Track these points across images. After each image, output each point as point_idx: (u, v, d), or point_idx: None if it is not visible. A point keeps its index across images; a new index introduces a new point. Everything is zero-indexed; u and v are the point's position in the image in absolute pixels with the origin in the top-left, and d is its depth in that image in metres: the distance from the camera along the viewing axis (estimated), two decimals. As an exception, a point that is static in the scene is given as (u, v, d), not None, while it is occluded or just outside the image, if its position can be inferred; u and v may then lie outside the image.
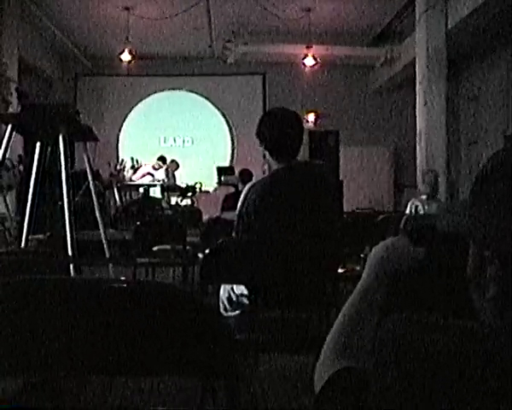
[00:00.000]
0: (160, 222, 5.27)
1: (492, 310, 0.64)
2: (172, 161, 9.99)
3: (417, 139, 7.71)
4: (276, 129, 2.46)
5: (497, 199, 0.63)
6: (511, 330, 0.60)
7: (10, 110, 7.37)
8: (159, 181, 9.45)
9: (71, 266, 3.40)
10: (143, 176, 9.42)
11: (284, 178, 2.43)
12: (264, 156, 2.51)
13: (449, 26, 7.54)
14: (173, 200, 9.54)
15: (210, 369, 1.04)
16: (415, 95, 7.87)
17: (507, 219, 0.61)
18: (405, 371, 0.57)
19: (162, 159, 9.74)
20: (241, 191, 2.61)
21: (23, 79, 9.01)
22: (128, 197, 9.28)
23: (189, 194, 9.42)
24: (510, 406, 0.51)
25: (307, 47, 9.94)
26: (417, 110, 7.74)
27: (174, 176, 9.84)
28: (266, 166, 2.53)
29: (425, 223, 0.94)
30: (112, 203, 8.76)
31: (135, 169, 9.43)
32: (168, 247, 4.88)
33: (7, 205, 7.07)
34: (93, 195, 4.42)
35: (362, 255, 3.20)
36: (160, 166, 9.61)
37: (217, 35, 10.43)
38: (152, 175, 9.51)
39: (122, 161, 9.51)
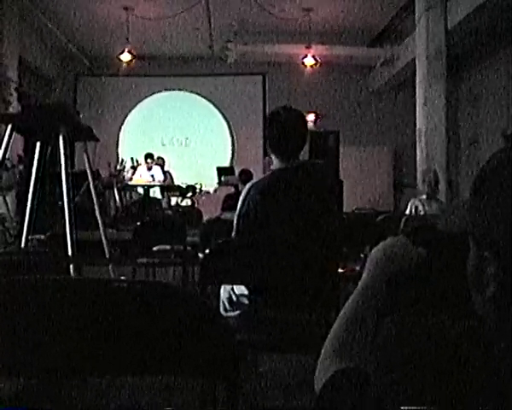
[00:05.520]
0: (160, 222, 5.27)
1: (492, 310, 0.64)
2: (159, 157, 9.99)
3: (417, 139, 7.71)
4: (279, 128, 2.46)
5: (497, 199, 0.63)
6: (511, 330, 0.60)
7: (10, 110, 7.37)
8: (159, 181, 9.46)
9: (71, 266, 3.40)
10: (131, 179, 9.41)
11: (284, 178, 2.43)
12: (265, 156, 2.52)
13: (449, 26, 7.54)
14: (173, 200, 9.54)
15: (210, 369, 1.04)
16: (415, 95, 7.87)
17: (507, 219, 0.61)
18: (405, 370, 0.57)
19: (150, 156, 9.72)
20: (241, 191, 2.61)
21: (23, 80, 9.00)
22: (128, 197, 9.28)
23: (189, 194, 9.42)
24: (510, 405, 0.52)
25: (307, 47, 9.94)
26: (417, 110, 7.74)
27: (165, 173, 9.85)
28: (266, 167, 2.53)
29: (425, 223, 0.94)
30: (112, 203, 8.76)
31: (135, 170, 9.42)
32: (168, 247, 4.87)
33: (7, 205, 7.08)
34: (93, 195, 4.41)
35: (362, 255, 3.20)
36: (153, 164, 9.60)
37: (217, 35, 10.43)
38: (152, 176, 9.52)
39: (122, 161, 9.50)
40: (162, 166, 9.91)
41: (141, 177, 9.39)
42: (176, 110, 12.00)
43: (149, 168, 9.52)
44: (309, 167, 2.51)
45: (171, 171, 10.26)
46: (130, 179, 9.25)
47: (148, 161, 9.56)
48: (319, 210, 2.40)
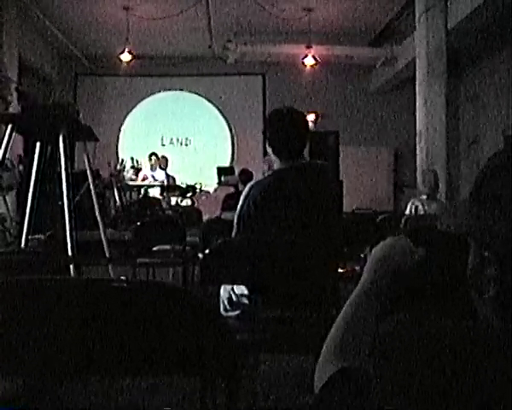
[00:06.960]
0: (160, 222, 5.27)
1: (492, 310, 0.64)
2: (163, 157, 10.02)
3: (417, 139, 7.71)
4: (281, 128, 2.45)
5: (497, 199, 0.63)
6: (511, 330, 0.60)
7: (10, 110, 7.36)
8: (161, 182, 9.47)
9: (71, 266, 3.40)
10: (143, 179, 9.45)
11: (285, 178, 2.43)
12: (265, 155, 2.52)
13: (449, 26, 7.54)
14: (173, 200, 9.55)
15: (210, 369, 1.04)
16: (415, 95, 7.86)
17: (507, 220, 0.61)
18: (405, 371, 0.57)
19: (154, 154, 9.79)
20: (241, 191, 2.60)
21: (23, 79, 9.00)
22: (128, 197, 9.28)
23: (189, 194, 9.42)
24: (510, 405, 0.51)
25: (307, 47, 9.93)
26: (417, 110, 7.74)
27: (169, 177, 9.88)
28: (266, 167, 2.53)
29: (425, 223, 0.94)
30: (112, 203, 8.76)
31: (135, 169, 9.43)
32: (168, 247, 4.87)
33: (7, 205, 7.08)
34: (93, 195, 4.42)
35: (362, 255, 3.20)
36: (156, 163, 9.66)
37: (217, 35, 10.43)
38: (152, 176, 9.52)
39: (122, 160, 9.50)
40: (165, 169, 9.91)
41: (144, 181, 9.41)
42: (176, 110, 12.00)
43: (153, 168, 9.55)
44: (310, 168, 2.51)
45: (173, 174, 10.23)
46: (135, 180, 9.28)
47: (152, 158, 9.60)
48: (320, 210, 2.39)
